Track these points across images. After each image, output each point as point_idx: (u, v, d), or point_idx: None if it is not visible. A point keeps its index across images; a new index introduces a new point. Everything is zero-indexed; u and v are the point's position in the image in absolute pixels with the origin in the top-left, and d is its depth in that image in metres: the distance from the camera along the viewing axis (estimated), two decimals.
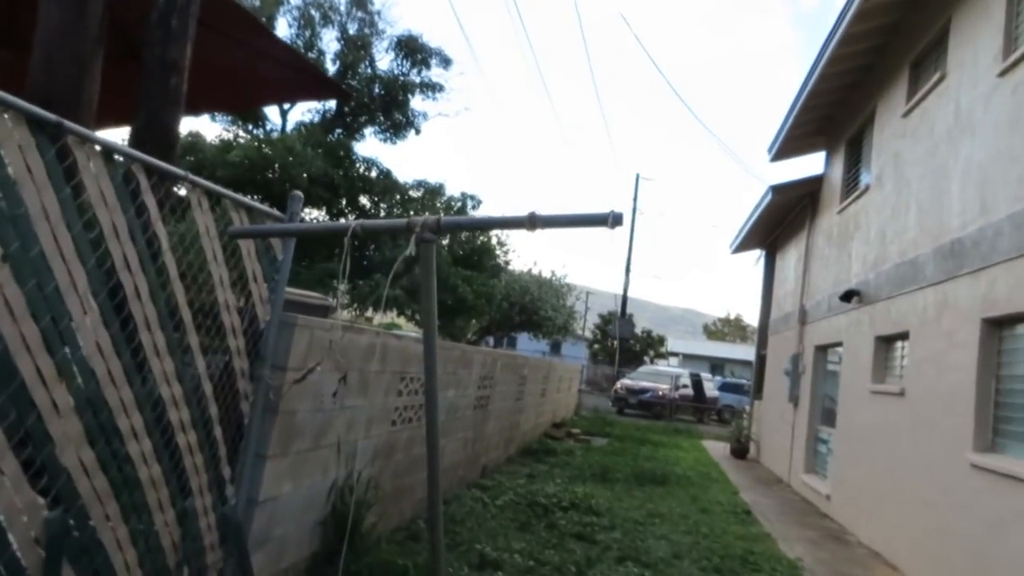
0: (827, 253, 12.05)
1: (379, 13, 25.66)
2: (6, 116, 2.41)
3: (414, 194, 23.92)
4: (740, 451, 16.86)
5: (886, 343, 8.83)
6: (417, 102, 25.95)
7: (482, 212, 25.03)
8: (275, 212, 4.05)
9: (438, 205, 23.24)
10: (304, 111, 25.74)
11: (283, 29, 24.55)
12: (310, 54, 24.25)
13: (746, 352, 56.74)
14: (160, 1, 4.15)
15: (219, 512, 3.72)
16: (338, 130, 25.17)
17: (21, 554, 2.51)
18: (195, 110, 7.17)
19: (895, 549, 7.62)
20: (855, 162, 11.36)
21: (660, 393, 28.80)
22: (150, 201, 3.03)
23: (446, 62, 25.81)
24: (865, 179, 10.45)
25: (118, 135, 7.94)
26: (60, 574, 2.64)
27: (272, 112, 25.27)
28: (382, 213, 22.32)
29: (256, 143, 21.31)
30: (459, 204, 23.87)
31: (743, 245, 18.11)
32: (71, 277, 2.64)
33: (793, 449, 12.67)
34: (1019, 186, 5.81)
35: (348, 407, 4.99)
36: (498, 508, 7.51)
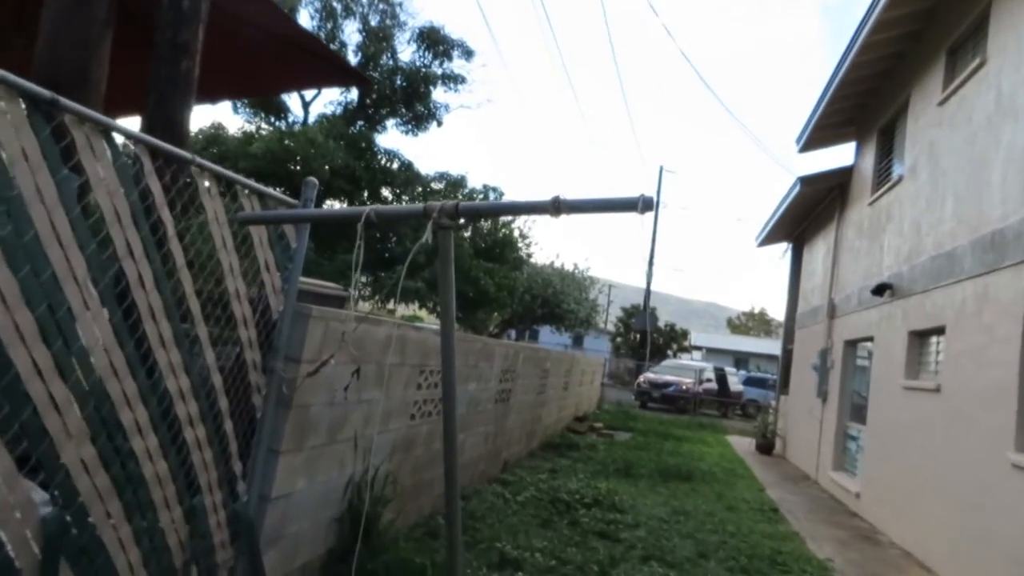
0: (857, 246, 11.76)
1: (401, 4, 25.53)
2: None
3: (436, 186, 23.85)
4: (766, 447, 16.60)
5: (920, 338, 8.56)
6: (439, 94, 25.84)
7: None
8: (288, 199, 3.90)
9: (460, 197, 23.09)
10: (326, 103, 25.82)
11: (305, 21, 24.47)
12: (332, 46, 24.15)
13: (771, 346, 56.29)
14: None
15: (230, 509, 3.59)
16: (360, 122, 25.11)
17: (15, 554, 2.38)
18: (211, 97, 7.05)
19: (930, 550, 7.37)
20: (887, 152, 11.06)
21: (684, 387, 28.54)
22: (154, 185, 2.89)
23: (468, 54, 25.66)
24: (898, 170, 10.15)
25: (135, 124, 7.85)
26: (57, 574, 2.51)
27: (294, 104, 25.29)
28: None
29: (278, 135, 21.30)
30: (481, 196, 23.73)
31: (769, 238, 17.81)
32: (69, 264, 2.50)
33: (821, 445, 12.40)
34: None
35: (365, 400, 4.85)
36: (519, 504, 7.35)
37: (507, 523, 6.57)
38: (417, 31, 25.31)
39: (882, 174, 11.10)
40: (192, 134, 21.92)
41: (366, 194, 22.46)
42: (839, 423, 11.82)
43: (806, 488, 11.91)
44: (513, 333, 39.76)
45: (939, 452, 7.36)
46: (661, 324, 49.40)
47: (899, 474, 8.46)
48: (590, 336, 52.86)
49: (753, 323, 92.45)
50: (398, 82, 25.06)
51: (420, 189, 23.45)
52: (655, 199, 2.39)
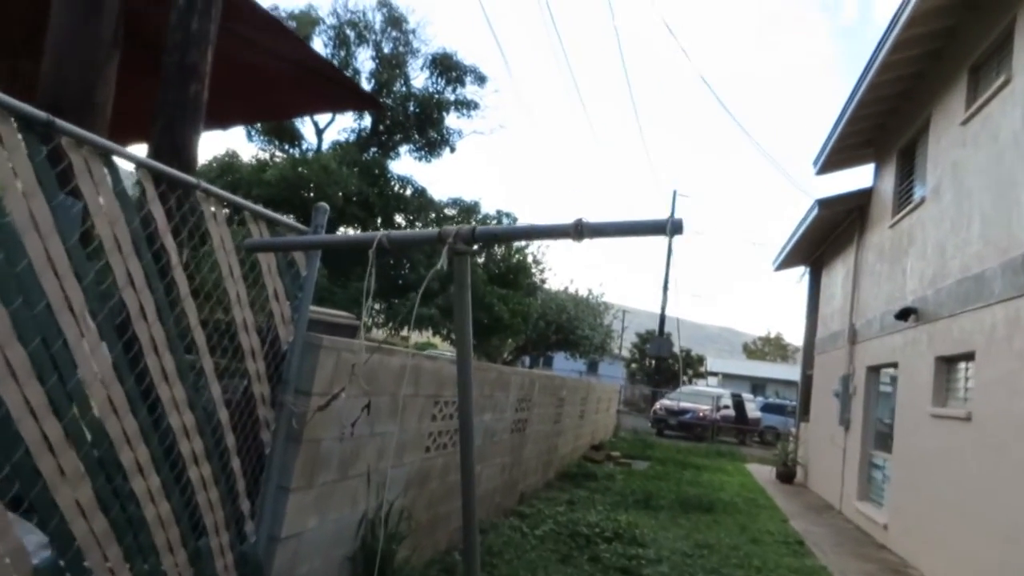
0: (878, 269, 11.53)
1: (414, 32, 25.66)
2: None
3: (449, 212, 23.84)
4: (787, 475, 16.25)
5: (948, 364, 8.31)
6: (452, 120, 25.92)
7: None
8: (298, 226, 3.77)
9: (473, 223, 23.02)
10: (339, 130, 25.92)
11: (318, 49, 24.59)
12: (345, 73, 24.26)
13: (788, 372, 55.72)
14: (180, 1, 3.91)
15: (237, 551, 3.42)
16: (373, 149, 25.17)
17: None
18: (221, 123, 6.97)
19: None
20: (908, 173, 10.86)
21: (701, 414, 28.15)
22: (157, 211, 2.76)
23: (481, 79, 25.73)
24: (919, 191, 9.95)
25: (143, 152, 7.78)
26: None
27: (308, 131, 25.38)
28: None
29: (292, 162, 21.34)
30: (494, 221, 23.67)
31: (787, 262, 17.58)
32: (65, 294, 2.36)
33: (845, 474, 12.09)
34: None
35: (378, 433, 4.68)
36: (537, 539, 7.12)
37: (525, 559, 6.35)
38: (430, 58, 25.43)
39: (903, 196, 10.90)
40: (206, 162, 22.07)
41: (379, 220, 22.44)
42: (863, 451, 11.51)
43: (830, 519, 11.59)
44: (527, 360, 39.52)
45: (972, 482, 7.09)
46: (676, 349, 49.02)
47: (929, 505, 8.18)
48: (605, 362, 52.46)
49: (769, 348, 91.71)
50: (411, 108, 25.14)
51: (433, 215, 23.43)
52: (682, 222, 2.22)
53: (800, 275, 18.83)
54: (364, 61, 25.60)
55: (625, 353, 58.89)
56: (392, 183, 23.23)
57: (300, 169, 20.53)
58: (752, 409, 32.12)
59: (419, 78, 25.82)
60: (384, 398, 4.65)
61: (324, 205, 3.65)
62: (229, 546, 3.34)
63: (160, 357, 2.79)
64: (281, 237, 3.55)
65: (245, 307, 3.32)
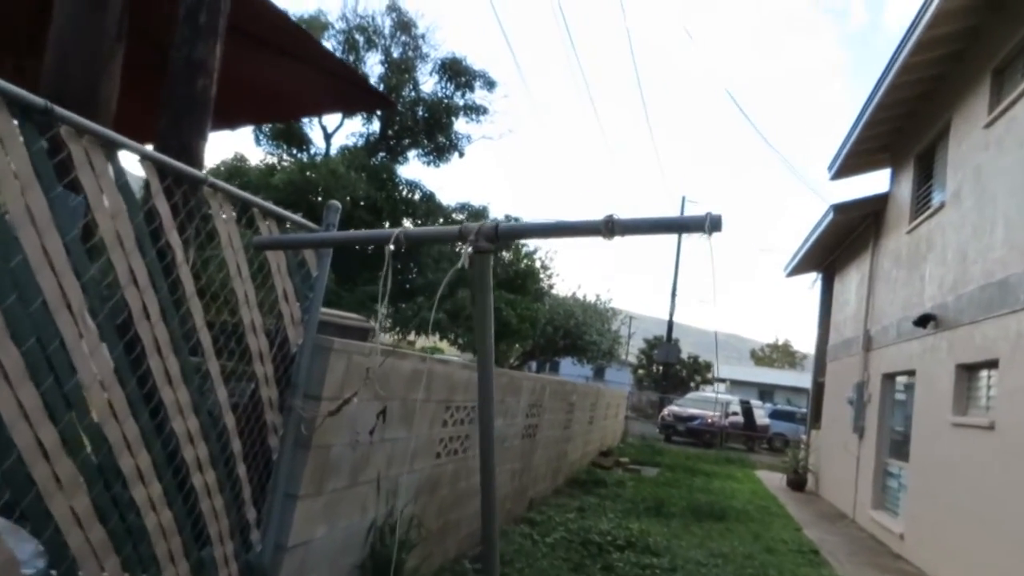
0: (895, 275, 11.35)
1: (423, 36, 25.57)
2: None
3: (457, 216, 23.72)
4: (798, 483, 16.04)
5: (969, 372, 8.13)
6: (461, 125, 25.78)
7: None
8: (308, 223, 3.64)
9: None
10: (348, 134, 25.82)
11: None
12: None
13: (796, 378, 55.39)
14: None
15: (242, 560, 3.29)
16: (382, 153, 25.08)
17: None
18: (230, 122, 6.85)
19: None
20: (926, 178, 10.69)
21: (709, 420, 27.94)
22: (162, 206, 2.63)
23: (490, 84, 25.61)
24: (938, 196, 9.78)
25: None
26: None
27: (316, 135, 25.31)
28: None
29: (300, 166, 21.28)
30: None
31: (799, 268, 17.39)
32: (63, 292, 2.23)
33: (859, 482, 11.89)
34: None
35: (389, 439, 4.54)
36: (548, 547, 6.97)
37: (537, 567, 6.20)
38: (439, 62, 25.33)
39: (921, 201, 10.73)
40: (214, 165, 22.01)
41: (387, 225, 22.32)
42: (878, 460, 11.32)
43: (844, 527, 11.40)
44: (534, 365, 39.34)
45: (994, 493, 6.91)
46: (684, 356, 48.75)
47: (948, 515, 7.99)
48: (612, 368, 52.20)
49: (777, 355, 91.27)
50: (420, 113, 25.04)
51: (442, 220, 23.33)
52: (721, 218, 2.07)
53: (812, 281, 18.65)
54: (373, 66, 25.54)
55: (632, 359, 58.62)
56: (400, 187, 23.15)
57: (308, 173, 20.46)
58: (760, 416, 31.89)
59: (428, 83, 25.74)
60: (395, 403, 4.52)
61: (336, 203, 3.53)
62: (234, 556, 3.20)
63: (164, 359, 2.66)
64: (292, 235, 3.42)
65: (253, 308, 3.19)
